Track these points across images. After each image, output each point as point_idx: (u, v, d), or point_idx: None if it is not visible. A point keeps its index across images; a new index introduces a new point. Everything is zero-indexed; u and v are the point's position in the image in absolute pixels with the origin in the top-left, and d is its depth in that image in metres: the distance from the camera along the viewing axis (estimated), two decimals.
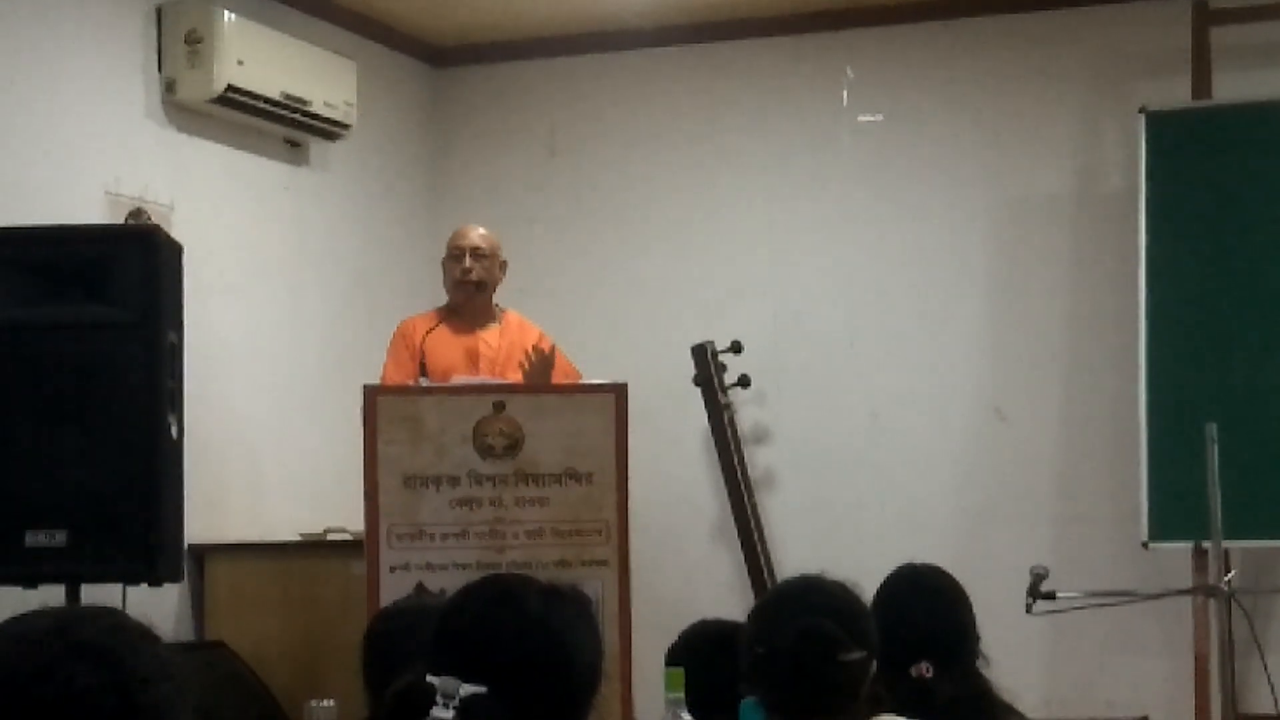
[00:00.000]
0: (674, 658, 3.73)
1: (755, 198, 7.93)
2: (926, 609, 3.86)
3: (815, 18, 7.79)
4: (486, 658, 2.42)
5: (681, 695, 3.27)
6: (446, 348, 6.54)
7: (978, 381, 7.61)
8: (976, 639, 3.91)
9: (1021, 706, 3.99)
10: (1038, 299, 7.55)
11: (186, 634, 6.54)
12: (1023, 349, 7.55)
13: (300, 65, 7.00)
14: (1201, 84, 7.10)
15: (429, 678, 2.39)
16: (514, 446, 5.92)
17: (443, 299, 6.75)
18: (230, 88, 6.64)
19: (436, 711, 2.37)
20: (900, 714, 3.31)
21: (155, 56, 6.63)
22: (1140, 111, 7.10)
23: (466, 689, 2.37)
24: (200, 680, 1.88)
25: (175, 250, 5.67)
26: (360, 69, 7.37)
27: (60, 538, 5.26)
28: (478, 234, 6.67)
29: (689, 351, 7.45)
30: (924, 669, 3.70)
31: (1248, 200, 6.98)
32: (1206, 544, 6.07)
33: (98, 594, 5.31)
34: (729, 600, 6.84)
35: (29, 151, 6.11)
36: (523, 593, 2.53)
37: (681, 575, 7.60)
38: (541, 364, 6.38)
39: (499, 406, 5.94)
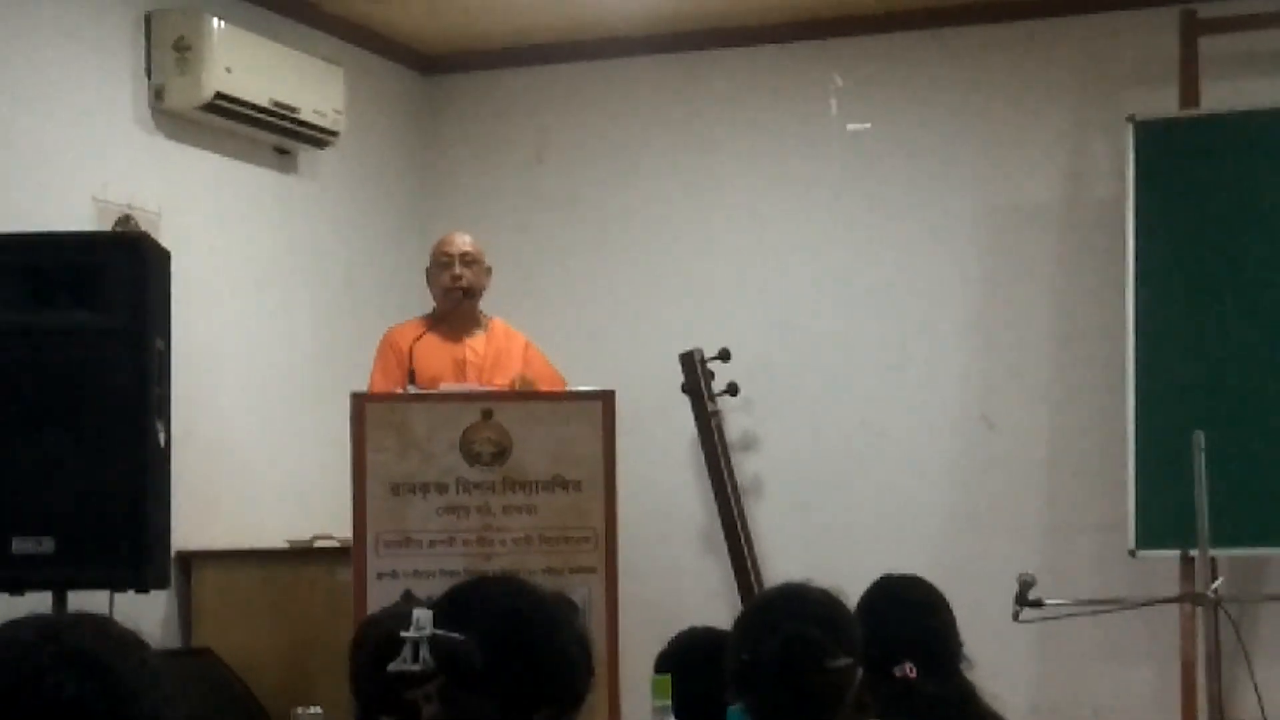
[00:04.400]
0: (661, 665, 3.74)
1: (743, 205, 7.93)
2: (906, 615, 3.88)
3: (804, 26, 7.80)
4: (475, 615, 2.45)
5: (668, 702, 3.27)
6: (434, 355, 6.55)
7: (965, 389, 7.61)
8: (959, 643, 3.92)
9: (1008, 714, 4.00)
10: (1026, 307, 7.56)
11: (173, 641, 6.53)
12: (1011, 357, 7.56)
13: (289, 73, 7.00)
14: (1189, 93, 7.11)
15: (403, 633, 2.43)
16: (502, 454, 5.93)
17: (430, 306, 6.75)
18: (219, 95, 6.63)
19: (407, 633, 2.40)
20: (885, 719, 3.31)
21: (144, 63, 6.63)
22: (1128, 120, 7.11)
23: (441, 634, 2.40)
24: (187, 687, 1.88)
25: (163, 257, 5.67)
26: (349, 76, 7.37)
27: (47, 544, 5.26)
28: (465, 240, 6.69)
29: (677, 359, 7.45)
30: (908, 669, 3.72)
31: (1235, 209, 6.99)
32: (1193, 552, 6.08)
33: (85, 601, 5.30)
34: (716, 608, 6.82)
35: (17, 158, 6.10)
36: (533, 585, 2.56)
37: (669, 583, 7.60)
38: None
39: (487, 414, 5.95)
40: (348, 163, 7.69)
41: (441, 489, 5.90)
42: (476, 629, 2.43)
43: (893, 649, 3.71)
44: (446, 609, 2.50)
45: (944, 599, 4.00)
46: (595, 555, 5.94)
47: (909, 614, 3.90)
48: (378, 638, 3.49)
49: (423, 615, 2.43)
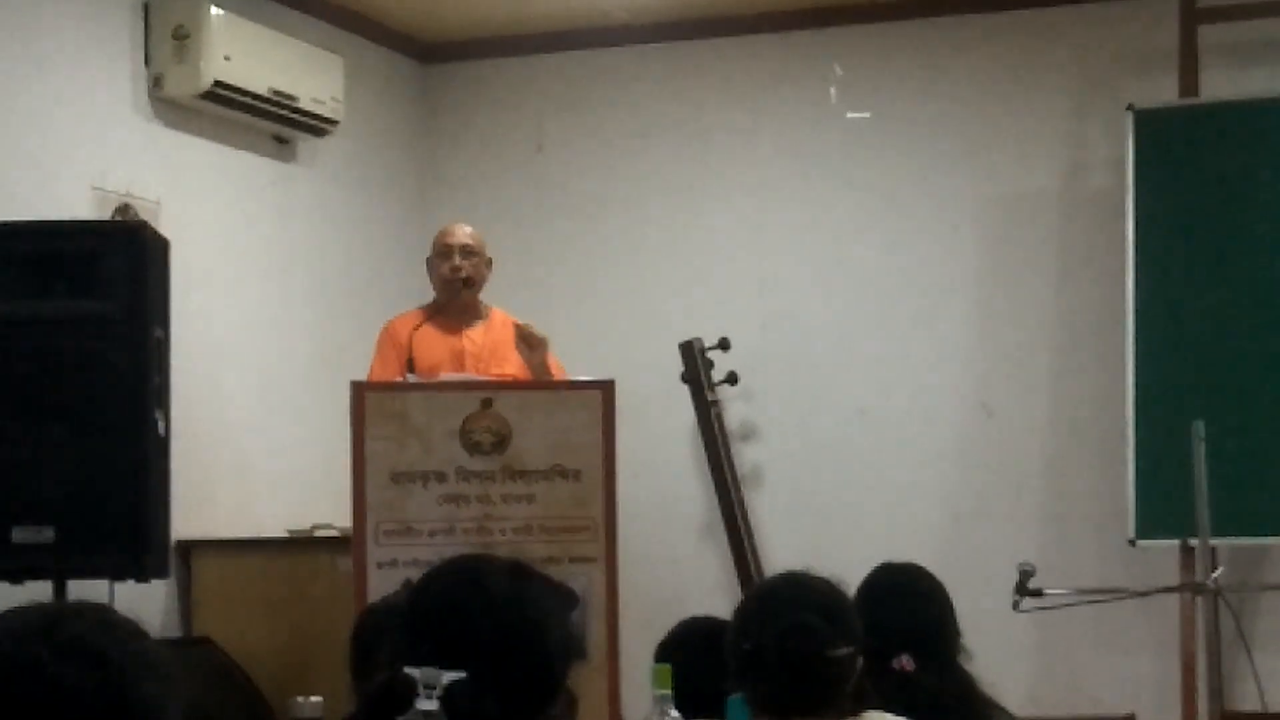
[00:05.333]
0: (662, 654, 3.74)
1: (743, 194, 7.93)
2: (904, 606, 3.87)
3: (803, 15, 7.80)
4: (461, 642, 2.41)
5: (669, 692, 3.27)
6: (433, 345, 6.54)
7: (965, 378, 7.61)
8: (957, 634, 3.92)
9: (1007, 703, 4.00)
10: (1025, 296, 7.55)
11: (173, 630, 6.53)
12: (1010, 346, 7.55)
13: (288, 61, 6.99)
14: (1189, 82, 7.11)
15: (406, 669, 2.38)
16: (501, 443, 5.92)
17: (429, 296, 6.75)
18: (217, 83, 6.63)
19: (421, 703, 2.36)
20: (884, 709, 3.31)
21: (142, 51, 6.62)
22: (1128, 109, 7.11)
23: (447, 676, 2.36)
24: (187, 676, 1.87)
25: (162, 246, 5.66)
26: (348, 65, 7.36)
27: (47, 533, 5.26)
28: (465, 231, 6.67)
29: (676, 348, 7.45)
30: (904, 662, 3.72)
31: (1235, 198, 6.99)
32: (1193, 541, 6.08)
33: (84, 590, 5.30)
34: (716, 597, 6.84)
35: (15, 146, 6.10)
36: (488, 572, 2.52)
37: (669, 572, 7.60)
38: (526, 339, 6.37)
39: (487, 403, 5.94)
40: (347, 151, 7.68)
41: (441, 478, 5.89)
42: (471, 664, 2.40)
43: (890, 639, 3.71)
44: (428, 634, 2.46)
45: (943, 588, 4.00)
46: (595, 545, 5.93)
47: (907, 603, 3.90)
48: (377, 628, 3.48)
49: (429, 676, 2.39)
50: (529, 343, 6.39)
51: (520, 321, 6.50)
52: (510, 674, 2.41)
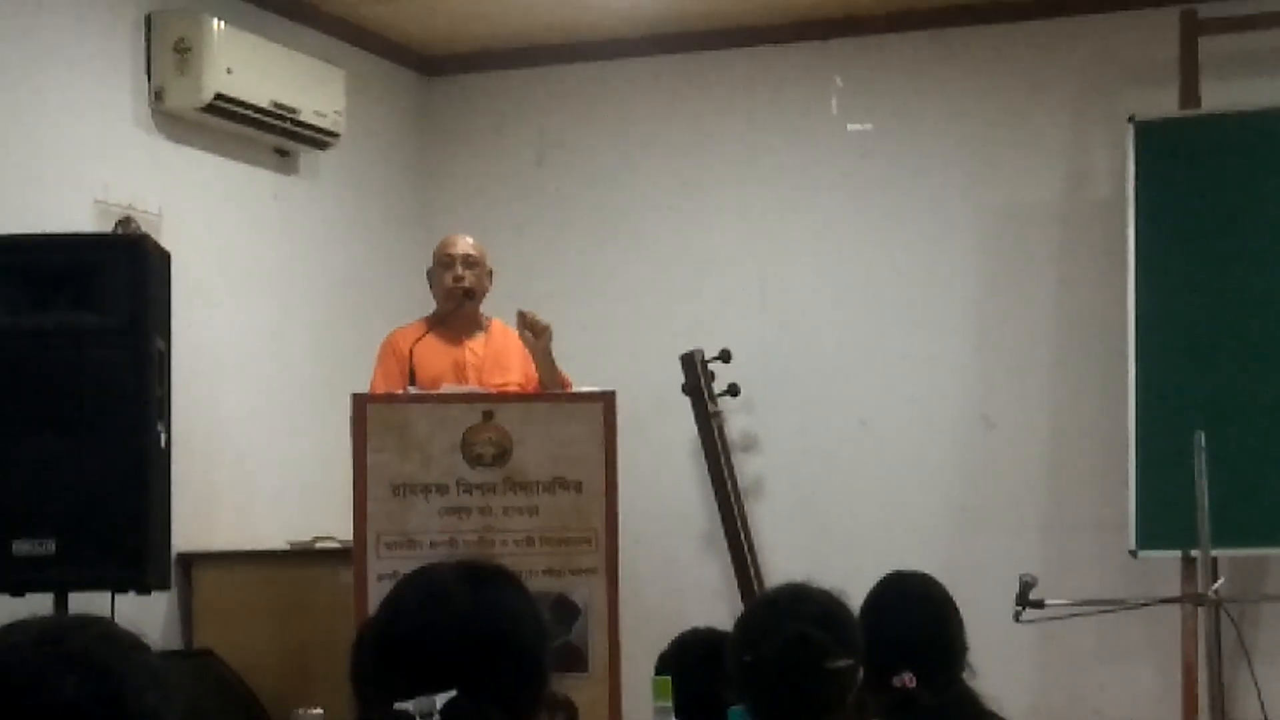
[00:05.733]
0: (662, 666, 3.75)
1: (744, 206, 7.93)
2: (912, 618, 3.86)
3: (804, 27, 7.80)
4: (440, 664, 2.42)
5: (669, 703, 3.27)
6: (434, 356, 6.54)
7: (966, 389, 7.61)
8: (964, 649, 3.90)
9: (1009, 714, 4.00)
10: (1026, 307, 7.56)
11: (175, 642, 6.53)
12: (1011, 357, 7.56)
13: (289, 74, 6.99)
14: (1189, 93, 7.11)
15: (398, 705, 2.38)
16: (503, 455, 5.93)
17: (430, 308, 6.75)
18: (219, 96, 6.63)
19: None
20: None
21: (144, 65, 6.62)
22: (1129, 120, 7.11)
23: (440, 699, 2.37)
24: (189, 689, 1.87)
25: (163, 258, 5.67)
26: (349, 78, 7.37)
27: (49, 546, 5.26)
28: (467, 242, 6.68)
29: (678, 359, 7.45)
30: (906, 679, 3.71)
31: (1236, 209, 6.99)
32: (1194, 552, 6.08)
33: (86, 602, 5.30)
34: (717, 608, 6.83)
35: (18, 159, 6.10)
36: (444, 588, 2.53)
37: (670, 584, 7.60)
38: (530, 326, 6.37)
39: (488, 415, 5.95)
40: (348, 164, 7.69)
41: (442, 490, 5.89)
42: (457, 682, 2.41)
43: (897, 651, 3.70)
44: (407, 664, 2.46)
45: (951, 601, 3.98)
46: (596, 556, 5.93)
47: (916, 615, 3.88)
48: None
49: (423, 705, 2.39)
50: (533, 329, 6.39)
51: (524, 309, 6.47)
52: (498, 679, 2.42)
